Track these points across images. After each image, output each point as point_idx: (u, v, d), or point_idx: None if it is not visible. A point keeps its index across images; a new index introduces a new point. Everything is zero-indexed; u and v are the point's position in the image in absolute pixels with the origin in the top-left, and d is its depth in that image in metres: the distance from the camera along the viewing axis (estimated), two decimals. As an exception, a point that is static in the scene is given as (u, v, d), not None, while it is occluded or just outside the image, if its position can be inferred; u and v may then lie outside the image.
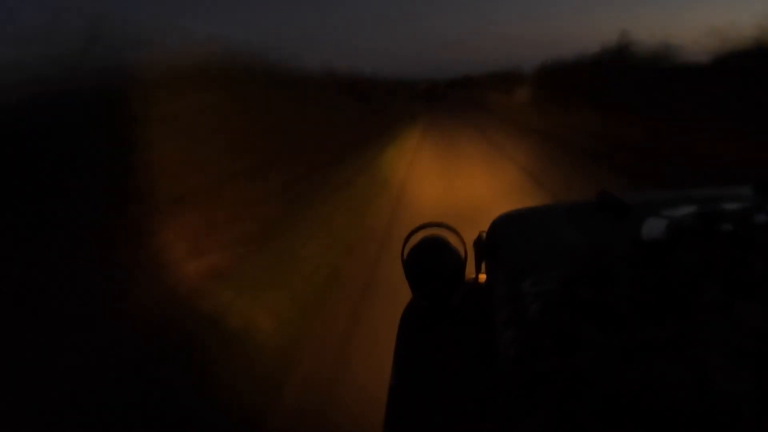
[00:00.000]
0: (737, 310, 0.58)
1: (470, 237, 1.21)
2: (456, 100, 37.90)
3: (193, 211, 4.11)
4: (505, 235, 1.07)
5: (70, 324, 2.43)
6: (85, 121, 3.57)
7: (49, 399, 2.01)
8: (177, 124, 4.42)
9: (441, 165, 8.60)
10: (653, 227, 0.86)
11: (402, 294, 1.26)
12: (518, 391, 0.61)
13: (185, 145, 4.43)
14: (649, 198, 1.05)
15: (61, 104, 3.57)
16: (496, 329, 0.81)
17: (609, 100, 10.79)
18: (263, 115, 6.49)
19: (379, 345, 1.62)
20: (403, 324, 1.18)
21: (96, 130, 3.59)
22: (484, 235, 1.17)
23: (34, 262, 2.68)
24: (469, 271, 1.19)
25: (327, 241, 4.40)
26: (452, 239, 1.20)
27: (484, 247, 1.15)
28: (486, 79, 43.33)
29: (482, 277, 1.20)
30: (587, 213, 1.04)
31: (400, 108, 21.75)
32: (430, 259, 1.16)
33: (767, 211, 0.80)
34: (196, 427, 1.97)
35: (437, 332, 1.11)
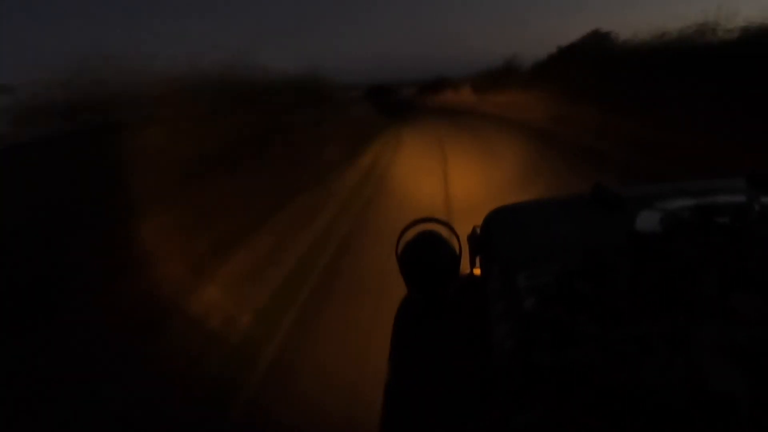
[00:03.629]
0: (734, 304, 0.58)
1: (464, 232, 1.21)
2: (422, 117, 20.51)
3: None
4: (498, 230, 1.07)
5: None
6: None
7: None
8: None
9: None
10: (647, 220, 0.86)
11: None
12: (514, 384, 0.61)
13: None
14: (642, 191, 1.05)
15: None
16: (491, 323, 0.81)
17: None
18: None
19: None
20: (399, 319, 1.17)
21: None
22: (478, 229, 1.17)
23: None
24: (464, 266, 1.19)
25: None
26: (446, 234, 1.20)
27: (478, 241, 1.14)
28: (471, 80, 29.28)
29: (477, 271, 1.20)
30: (581, 207, 1.04)
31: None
32: (424, 254, 1.16)
33: (762, 204, 0.80)
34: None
35: (433, 327, 1.10)
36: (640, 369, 0.53)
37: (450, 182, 6.79)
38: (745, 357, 0.52)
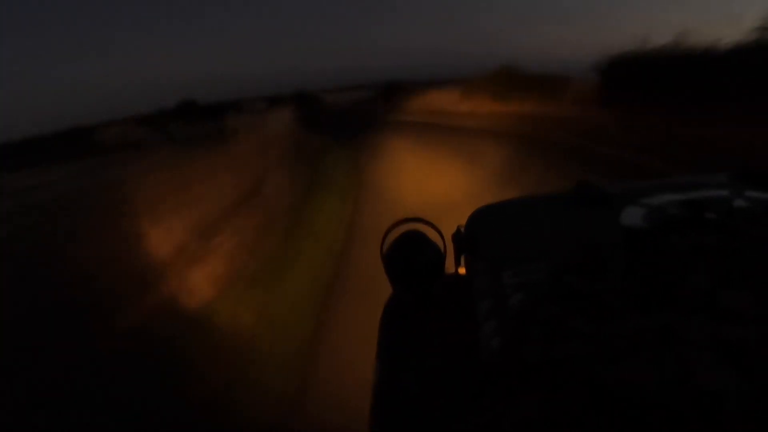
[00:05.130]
0: (723, 300, 0.57)
1: (449, 231, 1.20)
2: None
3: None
4: (483, 228, 1.06)
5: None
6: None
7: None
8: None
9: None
10: (633, 216, 0.85)
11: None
12: (503, 382, 0.60)
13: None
14: (626, 187, 1.04)
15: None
16: (478, 321, 0.80)
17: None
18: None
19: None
20: (385, 319, 1.16)
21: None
22: (463, 228, 1.16)
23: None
24: (449, 265, 1.18)
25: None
26: (431, 234, 1.19)
27: (463, 240, 1.13)
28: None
29: (462, 270, 1.19)
30: (565, 203, 1.03)
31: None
32: (409, 253, 1.15)
33: (747, 198, 0.80)
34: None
35: (419, 326, 1.09)
36: (631, 365, 0.52)
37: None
38: (735, 353, 0.51)
